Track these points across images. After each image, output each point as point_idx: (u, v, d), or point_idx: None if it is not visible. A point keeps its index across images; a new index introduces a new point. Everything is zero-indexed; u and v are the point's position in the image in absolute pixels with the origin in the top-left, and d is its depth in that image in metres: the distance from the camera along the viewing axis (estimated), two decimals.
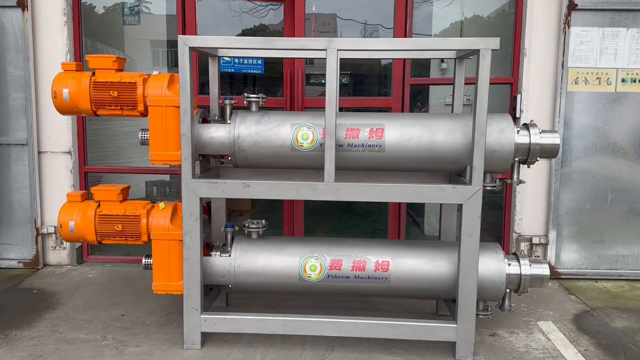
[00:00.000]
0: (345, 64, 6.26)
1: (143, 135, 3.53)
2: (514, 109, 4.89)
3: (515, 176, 3.51)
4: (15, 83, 4.91)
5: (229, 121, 3.50)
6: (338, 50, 3.15)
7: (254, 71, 5.20)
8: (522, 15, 4.84)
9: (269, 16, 5.48)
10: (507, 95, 5.04)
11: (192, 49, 3.21)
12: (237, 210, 7.41)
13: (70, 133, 4.99)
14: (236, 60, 5.14)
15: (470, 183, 3.23)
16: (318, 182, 3.29)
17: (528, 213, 4.96)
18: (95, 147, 5.46)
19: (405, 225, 5.18)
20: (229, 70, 5.14)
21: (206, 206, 4.32)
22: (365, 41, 3.18)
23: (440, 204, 3.97)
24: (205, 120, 3.63)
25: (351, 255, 3.56)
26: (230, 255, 3.60)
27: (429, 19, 5.63)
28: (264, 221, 3.77)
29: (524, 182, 3.55)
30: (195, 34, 4.88)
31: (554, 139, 3.42)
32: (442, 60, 6.16)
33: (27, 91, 4.86)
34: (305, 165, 3.52)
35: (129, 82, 3.49)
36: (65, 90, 3.50)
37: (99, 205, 3.67)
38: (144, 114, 3.52)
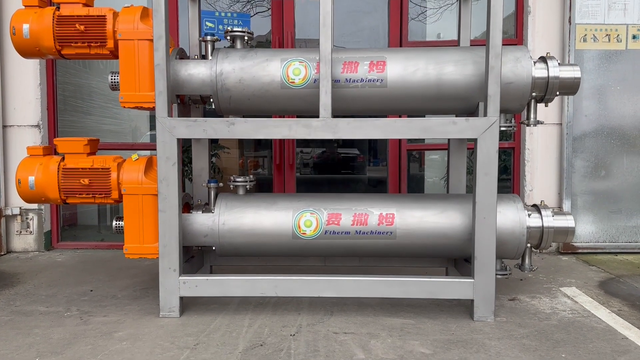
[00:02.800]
0: None
1: (113, 78, 3.13)
2: None
3: (532, 115, 3.13)
4: None
5: (211, 57, 3.11)
6: None
7: None
8: None
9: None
10: None
11: None
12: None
13: (39, 105, 4.56)
14: (220, 27, 4.77)
15: (485, 114, 2.84)
16: (313, 118, 2.88)
17: (539, 183, 4.57)
18: (67, 131, 5.02)
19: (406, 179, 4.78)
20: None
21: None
22: None
23: (448, 154, 3.57)
24: (183, 58, 3.24)
25: (351, 208, 3.13)
26: (213, 212, 3.15)
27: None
28: (251, 176, 3.35)
29: (541, 122, 3.17)
30: None
31: (574, 72, 3.06)
32: (438, 36, 5.88)
33: None
34: (297, 107, 3.12)
35: (97, 15, 3.09)
36: (26, 26, 3.09)
37: (63, 158, 3.23)
38: (114, 53, 3.12)
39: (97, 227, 5.46)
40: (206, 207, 3.22)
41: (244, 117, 3.17)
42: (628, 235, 4.52)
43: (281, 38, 4.67)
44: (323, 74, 2.84)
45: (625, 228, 4.52)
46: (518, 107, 3.07)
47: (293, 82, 3.03)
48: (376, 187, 5.46)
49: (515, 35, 4.65)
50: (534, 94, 3.06)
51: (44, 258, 4.42)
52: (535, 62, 3.05)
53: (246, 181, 3.27)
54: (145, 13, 3.10)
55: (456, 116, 3.37)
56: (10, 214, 4.57)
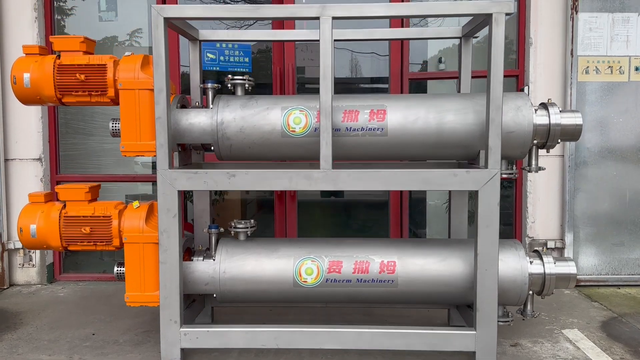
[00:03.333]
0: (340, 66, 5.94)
1: (114, 125, 3.13)
2: None
3: (533, 162, 3.12)
4: None
5: (212, 106, 3.11)
6: (332, 17, 2.79)
7: (241, 69, 4.83)
8: (525, 1, 4.54)
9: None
10: (513, 88, 4.70)
11: (167, 20, 2.83)
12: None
13: (41, 138, 4.57)
14: (221, 58, 4.77)
15: (487, 166, 2.83)
16: (313, 170, 2.88)
17: (541, 215, 4.56)
18: (70, 154, 5.03)
19: (407, 232, 4.76)
20: (214, 68, 4.77)
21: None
22: (361, 7, 2.82)
23: (449, 199, 3.57)
24: (184, 107, 3.24)
25: (352, 255, 3.13)
26: (214, 260, 3.15)
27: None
28: (252, 221, 3.34)
29: (543, 169, 3.15)
30: None
31: (575, 119, 3.05)
32: (440, 60, 5.87)
33: None
34: (298, 154, 3.12)
35: (97, 64, 3.10)
36: (27, 75, 3.10)
37: (64, 206, 3.23)
38: (115, 100, 3.12)
39: (99, 253, 5.46)
40: (207, 253, 3.22)
41: (244, 161, 3.18)
42: (630, 267, 4.50)
43: (282, 68, 4.66)
44: (323, 126, 2.83)
45: (627, 260, 4.50)
46: (519, 154, 3.06)
47: (294, 131, 3.02)
48: (379, 210, 5.46)
49: (517, 66, 4.64)
50: (535, 141, 3.05)
51: (46, 293, 4.42)
52: (536, 110, 3.04)
53: (247, 227, 3.27)
54: (146, 61, 3.10)
55: (458, 162, 3.37)
56: (13, 247, 4.58)
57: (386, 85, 4.79)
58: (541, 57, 4.48)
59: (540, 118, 3.02)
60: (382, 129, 3.00)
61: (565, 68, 4.44)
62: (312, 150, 3.04)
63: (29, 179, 4.59)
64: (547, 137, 3.04)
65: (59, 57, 3.14)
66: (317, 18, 2.79)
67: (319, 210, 6.66)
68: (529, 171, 3.13)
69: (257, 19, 3.19)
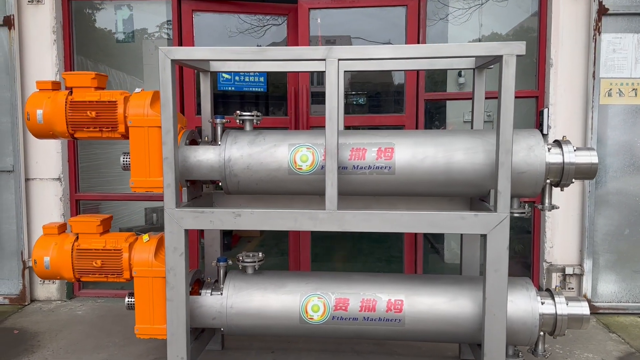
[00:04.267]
0: (358, 83, 5.88)
1: (125, 159, 3.16)
2: (541, 124, 4.44)
3: (547, 201, 3.05)
4: (3, 106, 4.61)
5: (220, 142, 3.12)
6: (339, 60, 2.76)
7: (256, 89, 4.84)
8: (546, 21, 4.41)
9: (271, 34, 5.13)
10: (533, 109, 4.59)
11: (174, 61, 2.84)
12: (246, 236, 7.00)
13: (60, 158, 4.66)
14: (237, 78, 4.78)
15: (495, 210, 2.78)
16: (319, 210, 2.87)
17: (559, 240, 4.46)
18: (89, 173, 5.13)
19: (422, 253, 4.71)
20: (230, 88, 4.79)
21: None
22: (368, 49, 2.79)
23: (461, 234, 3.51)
24: (194, 142, 3.26)
25: (359, 292, 3.11)
26: (221, 294, 3.18)
27: (444, 38, 5.24)
28: (260, 254, 3.35)
29: (557, 208, 3.08)
30: None
31: (590, 158, 2.96)
32: (459, 73, 5.77)
33: (14, 114, 4.56)
34: (305, 190, 3.11)
35: (108, 101, 3.13)
36: (39, 111, 3.16)
37: (77, 238, 3.29)
38: (126, 136, 3.16)
39: None
40: (216, 286, 3.25)
41: (254, 194, 3.18)
42: None
43: (297, 89, 4.65)
44: (329, 167, 2.81)
45: None
46: (531, 193, 2.99)
47: (300, 169, 3.01)
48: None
49: (537, 87, 4.52)
50: (548, 180, 2.98)
51: (65, 310, 4.53)
52: (549, 148, 2.96)
53: (254, 261, 3.28)
54: (156, 97, 3.12)
55: (471, 203, 3.31)
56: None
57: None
58: (562, 79, 4.35)
59: (554, 157, 2.95)
60: (390, 167, 2.97)
61: (586, 90, 4.31)
62: (319, 187, 3.02)
63: (49, 198, 4.69)
64: (561, 176, 2.96)
65: (71, 93, 3.19)
66: (324, 60, 2.76)
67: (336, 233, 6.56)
68: (542, 210, 3.06)
69: (263, 61, 3.16)
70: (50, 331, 4.07)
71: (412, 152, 2.97)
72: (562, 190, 3.09)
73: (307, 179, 3.03)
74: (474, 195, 3.11)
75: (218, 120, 3.21)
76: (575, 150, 2.96)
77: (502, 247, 2.78)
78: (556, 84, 4.36)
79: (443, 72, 5.76)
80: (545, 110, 4.40)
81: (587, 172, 2.98)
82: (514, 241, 5.13)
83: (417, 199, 3.38)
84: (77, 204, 4.82)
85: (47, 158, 4.66)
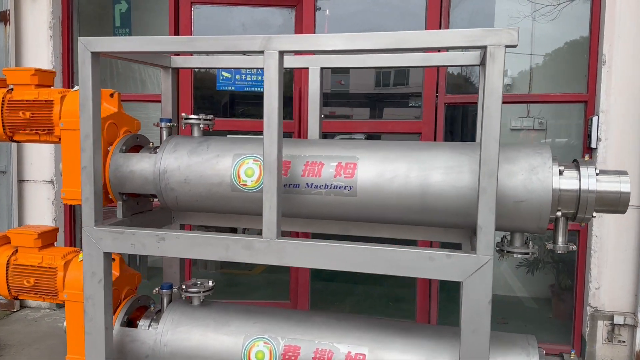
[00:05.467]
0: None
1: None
2: (589, 136, 3.61)
3: (560, 239, 2.32)
4: None
5: (158, 150, 2.66)
6: (280, 52, 2.20)
7: (258, 89, 4.36)
8: (600, 8, 3.58)
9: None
10: (581, 117, 3.77)
11: (95, 54, 2.41)
12: None
13: (53, 160, 4.44)
14: (237, 77, 4.33)
15: (475, 250, 2.10)
16: (255, 238, 2.32)
17: (608, 280, 3.60)
18: None
19: (438, 293, 4.01)
20: (229, 88, 4.35)
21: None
22: (315, 39, 2.21)
23: None
24: (135, 149, 2.82)
25: (314, 340, 2.52)
26: (156, 329, 2.71)
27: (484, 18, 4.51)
28: (210, 282, 2.85)
29: (573, 249, 2.33)
30: None
31: (620, 185, 2.20)
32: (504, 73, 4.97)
33: None
34: (252, 210, 2.57)
35: (44, 100, 2.77)
36: None
37: (16, 251, 2.96)
38: None
39: None
40: (157, 316, 2.79)
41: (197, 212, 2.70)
42: None
43: (301, 89, 4.13)
44: (267, 185, 2.25)
45: None
46: (535, 228, 2.27)
47: (245, 185, 2.48)
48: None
49: (587, 90, 3.69)
50: (559, 212, 2.25)
51: (48, 321, 4.30)
52: (562, 171, 2.22)
53: (199, 292, 2.78)
54: None
55: (472, 234, 2.63)
56: None
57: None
58: (617, 80, 3.51)
59: (567, 182, 2.21)
60: (351, 187, 2.36)
61: None
62: None
63: (42, 200, 4.48)
64: (577, 207, 2.22)
65: (10, 90, 2.86)
66: (262, 52, 2.22)
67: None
68: (554, 250, 2.33)
69: (192, 52, 2.66)
70: (20, 344, 3.82)
71: (379, 170, 2.35)
72: (581, 225, 2.34)
73: (253, 197, 2.49)
74: (461, 225, 2.43)
75: (163, 124, 2.76)
76: (598, 175, 2.21)
77: (483, 300, 2.09)
78: (609, 85, 3.52)
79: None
80: (595, 119, 3.57)
81: (613, 204, 2.22)
82: (562, 274, 4.31)
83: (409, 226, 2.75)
84: (71, 208, 4.58)
85: (41, 160, 4.47)
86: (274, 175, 2.25)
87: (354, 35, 2.16)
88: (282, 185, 2.31)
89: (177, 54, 2.95)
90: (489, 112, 2.00)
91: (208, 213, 3.01)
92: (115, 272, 2.85)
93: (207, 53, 2.81)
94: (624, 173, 2.24)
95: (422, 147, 2.43)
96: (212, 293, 2.85)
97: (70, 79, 4.55)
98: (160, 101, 4.38)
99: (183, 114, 2.77)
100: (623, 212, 2.25)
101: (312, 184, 2.41)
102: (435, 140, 3.90)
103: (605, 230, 3.56)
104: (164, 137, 2.75)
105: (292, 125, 4.21)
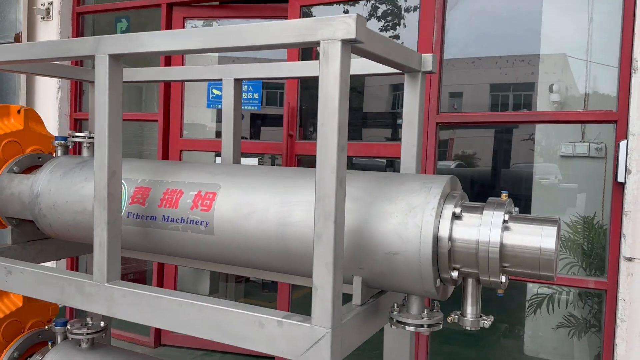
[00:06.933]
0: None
1: None
2: (617, 166, 2.77)
3: (469, 309, 1.66)
4: None
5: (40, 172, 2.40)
6: (111, 55, 1.82)
7: (250, 107, 4.00)
8: (635, 7, 2.75)
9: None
10: (611, 141, 2.93)
11: None
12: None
13: None
14: None
15: (310, 320, 1.52)
16: (86, 281, 1.94)
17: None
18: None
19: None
20: (218, 106, 4.05)
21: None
22: (139, 37, 1.79)
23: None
24: (35, 169, 2.58)
25: None
26: None
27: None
28: (102, 323, 2.51)
29: (485, 326, 1.65)
30: None
31: (540, 239, 1.51)
32: (550, 88, 4.15)
33: None
34: (123, 246, 2.20)
35: None
36: None
37: None
38: None
39: None
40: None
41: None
42: None
43: (292, 104, 3.71)
44: (97, 219, 1.87)
45: None
46: (421, 291, 1.64)
47: None
48: None
49: (617, 108, 2.85)
50: (456, 271, 1.60)
51: None
52: (458, 214, 1.58)
53: (82, 333, 2.45)
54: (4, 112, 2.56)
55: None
56: None
57: None
58: None
59: (463, 230, 1.57)
60: (207, 222, 1.90)
61: None
62: (132, 243, 2.11)
63: None
64: (476, 263, 1.56)
65: None
66: (93, 56, 1.86)
67: None
68: (460, 323, 1.67)
69: (27, 62, 2.35)
70: None
71: (237, 203, 1.86)
72: (497, 292, 1.65)
73: None
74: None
75: (56, 142, 2.50)
76: (507, 222, 1.54)
77: None
78: None
79: (529, 86, 4.23)
80: (623, 143, 2.73)
81: (531, 265, 1.52)
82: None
83: None
84: None
85: None
86: (103, 205, 1.86)
87: (174, 32, 1.72)
88: (119, 218, 1.91)
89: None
90: (323, 133, 1.46)
91: None
92: (18, 302, 2.64)
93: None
94: (552, 222, 1.53)
95: (290, 174, 1.90)
96: (104, 335, 2.52)
97: (78, 99, 4.55)
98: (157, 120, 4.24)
99: (70, 132, 2.49)
100: (549, 278, 1.54)
101: (168, 216, 1.98)
102: (426, 167, 3.25)
103: (637, 293, 2.66)
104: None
105: (281, 146, 3.80)
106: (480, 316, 1.67)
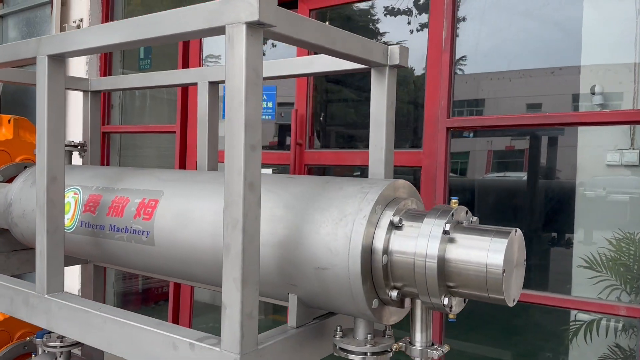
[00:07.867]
0: None
1: None
2: None
3: (418, 335, 1.41)
4: None
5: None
6: (50, 56, 1.74)
7: (264, 117, 3.88)
8: None
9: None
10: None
11: None
12: None
13: None
14: None
15: (222, 344, 1.34)
16: (30, 292, 1.85)
17: None
18: None
19: None
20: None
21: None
22: (71, 35, 1.67)
23: None
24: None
25: None
26: None
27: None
28: None
29: (434, 355, 1.39)
30: None
31: (487, 253, 1.25)
32: (592, 90, 3.74)
33: None
34: (77, 254, 2.13)
35: None
36: None
37: None
38: None
39: None
40: None
41: None
42: None
43: (301, 112, 3.57)
44: (38, 227, 1.79)
45: None
46: (356, 312, 1.41)
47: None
48: None
49: None
50: (395, 290, 1.36)
51: None
52: (398, 222, 1.35)
53: (56, 346, 2.38)
54: None
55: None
56: None
57: None
58: None
59: (402, 243, 1.33)
60: (148, 232, 1.77)
61: None
62: (85, 252, 2.02)
63: None
64: (414, 281, 1.32)
65: None
66: (34, 57, 1.79)
67: None
68: (407, 352, 1.43)
69: None
70: None
71: (177, 210, 1.72)
72: (449, 317, 1.39)
73: (73, 238, 2.03)
74: (280, 299, 1.64)
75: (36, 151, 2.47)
76: (447, 233, 1.29)
77: None
78: None
79: (568, 86, 3.86)
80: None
81: (476, 284, 1.26)
82: None
83: None
84: None
85: None
86: (43, 213, 1.77)
87: (103, 26, 1.62)
88: (61, 226, 1.81)
89: None
90: (230, 129, 1.28)
91: None
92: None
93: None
94: (504, 234, 1.27)
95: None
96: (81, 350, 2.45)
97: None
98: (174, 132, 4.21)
99: None
100: (499, 301, 1.27)
101: (114, 225, 1.87)
102: (436, 178, 2.97)
103: None
104: None
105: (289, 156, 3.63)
106: (432, 344, 1.42)
